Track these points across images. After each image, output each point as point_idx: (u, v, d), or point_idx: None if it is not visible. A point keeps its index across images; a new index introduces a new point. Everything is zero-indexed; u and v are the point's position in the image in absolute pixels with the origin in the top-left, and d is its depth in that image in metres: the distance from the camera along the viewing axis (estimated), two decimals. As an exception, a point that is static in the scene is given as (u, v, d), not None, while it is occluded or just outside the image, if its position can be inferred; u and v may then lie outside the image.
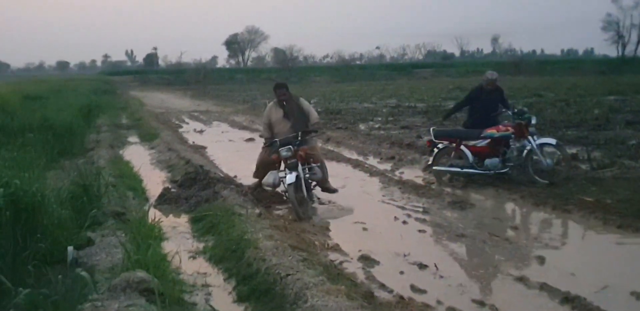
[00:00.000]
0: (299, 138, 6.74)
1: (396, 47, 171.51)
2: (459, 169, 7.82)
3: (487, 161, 7.67)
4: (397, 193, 7.62)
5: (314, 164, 6.76)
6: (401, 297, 4.13)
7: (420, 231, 5.93)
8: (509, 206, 6.93)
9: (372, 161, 10.21)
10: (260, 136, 7.63)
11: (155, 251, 4.60)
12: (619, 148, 9.32)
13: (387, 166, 9.54)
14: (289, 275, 4.09)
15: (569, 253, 5.26)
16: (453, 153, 7.90)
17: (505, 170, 7.65)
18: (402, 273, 4.73)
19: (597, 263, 4.84)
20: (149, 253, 4.29)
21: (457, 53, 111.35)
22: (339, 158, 10.38)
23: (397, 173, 9.01)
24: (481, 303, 4.09)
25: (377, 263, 4.97)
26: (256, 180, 7.58)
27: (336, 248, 5.31)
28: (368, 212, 6.67)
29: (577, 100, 20.39)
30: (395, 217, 6.43)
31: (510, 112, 7.77)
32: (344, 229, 6.07)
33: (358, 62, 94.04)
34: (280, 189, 7.08)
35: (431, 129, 8.44)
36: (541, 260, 4.93)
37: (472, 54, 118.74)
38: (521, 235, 5.79)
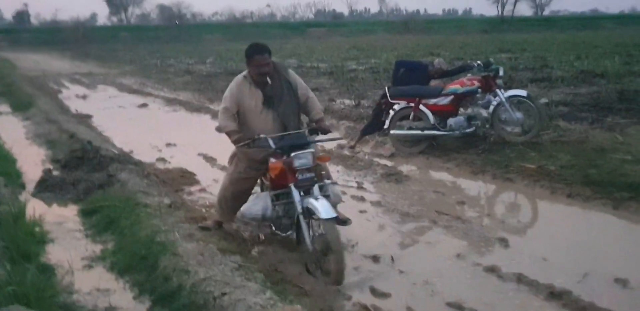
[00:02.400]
0: (308, 137, 4.02)
1: (287, 6, 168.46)
2: (419, 132, 6.94)
3: (451, 121, 6.84)
4: (324, 166, 6.80)
5: (327, 181, 4.05)
6: (365, 308, 3.34)
7: (361, 211, 5.16)
8: (447, 177, 6.35)
9: (286, 128, 9.25)
10: (219, 130, 4.22)
11: (38, 266, 3.46)
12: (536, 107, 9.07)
13: (304, 134, 8.65)
14: (225, 294, 3.13)
15: (530, 233, 4.74)
16: (412, 114, 7.03)
17: (472, 129, 6.89)
18: (356, 269, 3.93)
19: (565, 243, 4.34)
20: (28, 277, 3.13)
21: (346, 12, 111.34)
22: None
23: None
24: (459, 307, 3.40)
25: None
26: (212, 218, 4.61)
27: (270, 242, 4.41)
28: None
29: (473, 58, 20.51)
30: (328, 196, 5.61)
31: (474, 65, 6.98)
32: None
33: (249, 21, 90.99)
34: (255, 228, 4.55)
35: (386, 87, 7.36)
36: (504, 242, 4.35)
37: (360, 13, 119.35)
38: (471, 212, 5.21)
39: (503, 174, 6.01)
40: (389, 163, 6.84)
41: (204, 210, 5.08)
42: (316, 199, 3.65)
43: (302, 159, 3.77)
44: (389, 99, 7.10)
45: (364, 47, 30.41)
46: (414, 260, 4.12)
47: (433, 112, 6.92)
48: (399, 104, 7.07)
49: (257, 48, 4.06)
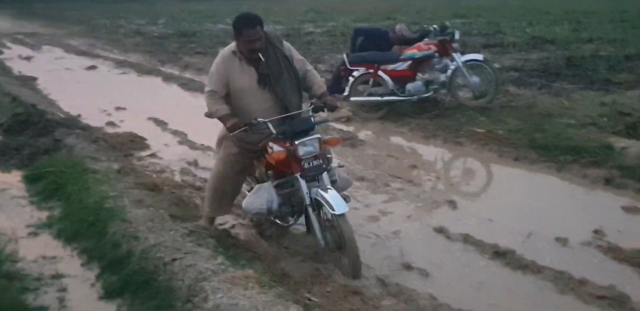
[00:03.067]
0: (313, 118, 3.53)
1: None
2: (379, 98, 6.94)
3: (409, 86, 6.84)
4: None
5: (334, 165, 3.73)
6: (318, 270, 3.39)
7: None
8: (400, 141, 6.42)
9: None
10: (210, 116, 3.58)
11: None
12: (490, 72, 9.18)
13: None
14: (175, 259, 3.12)
15: (478, 195, 4.88)
16: (371, 80, 6.98)
17: (429, 94, 6.93)
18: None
19: (510, 204, 4.48)
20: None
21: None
22: (203, 89, 9.06)
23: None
24: (408, 267, 3.50)
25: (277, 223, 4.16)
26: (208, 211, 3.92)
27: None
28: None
29: (429, 23, 20.45)
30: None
31: (431, 30, 6.94)
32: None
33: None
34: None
35: (344, 54, 7.27)
36: (453, 204, 4.47)
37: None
38: (423, 175, 5.30)
39: (454, 139, 6.11)
40: (345, 128, 6.85)
41: (154, 175, 4.99)
42: (325, 190, 3.27)
43: (307, 146, 3.32)
44: (348, 66, 7.06)
45: (321, 9, 29.89)
46: (368, 223, 4.19)
47: (392, 78, 6.91)
48: (358, 70, 7.04)
49: (246, 20, 3.40)
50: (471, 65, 6.84)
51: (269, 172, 3.64)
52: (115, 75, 11.39)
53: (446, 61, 6.86)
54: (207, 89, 3.55)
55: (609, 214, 4.18)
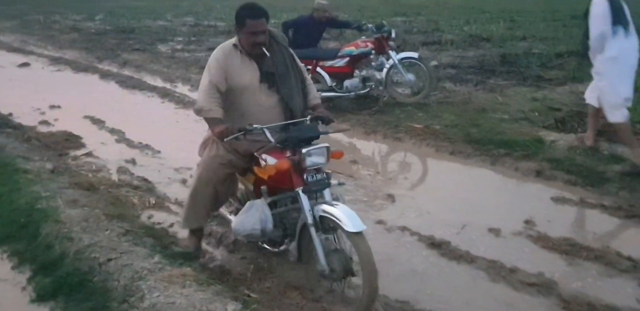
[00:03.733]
0: (318, 127, 3.10)
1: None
2: None
3: (347, 82, 6.98)
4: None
5: (334, 182, 3.08)
6: (256, 266, 3.40)
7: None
8: (341, 137, 6.47)
9: (182, 88, 8.96)
10: (198, 112, 3.12)
11: None
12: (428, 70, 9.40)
13: (200, 95, 8.41)
14: (111, 259, 3.06)
15: (415, 189, 5.00)
16: (309, 76, 7.01)
17: (367, 90, 7.07)
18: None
19: (446, 197, 4.62)
20: None
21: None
22: (142, 86, 8.93)
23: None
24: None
25: (212, 219, 4.14)
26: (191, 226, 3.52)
27: (161, 205, 4.33)
28: (192, 154, 5.63)
29: (370, 20, 20.69)
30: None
31: (368, 27, 7.02)
32: (164, 177, 5.02)
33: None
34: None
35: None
36: (392, 198, 4.57)
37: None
38: (363, 170, 5.39)
39: (393, 134, 6.24)
40: (286, 124, 6.85)
41: (90, 175, 4.86)
42: (332, 205, 2.81)
43: (315, 156, 2.86)
44: None
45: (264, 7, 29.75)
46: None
47: (330, 74, 7.01)
48: None
49: (251, 10, 3.06)
50: (407, 63, 7.00)
51: (262, 187, 3.09)
52: (49, 72, 10.96)
53: (382, 58, 7.00)
54: (205, 79, 3.08)
55: (539, 205, 4.38)
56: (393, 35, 6.99)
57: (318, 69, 7.00)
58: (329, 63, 7.04)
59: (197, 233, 3.52)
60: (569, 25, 14.55)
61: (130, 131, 6.36)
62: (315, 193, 2.91)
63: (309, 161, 2.85)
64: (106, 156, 5.57)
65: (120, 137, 6.23)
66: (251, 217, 3.01)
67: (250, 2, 3.15)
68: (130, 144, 5.97)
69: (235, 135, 2.89)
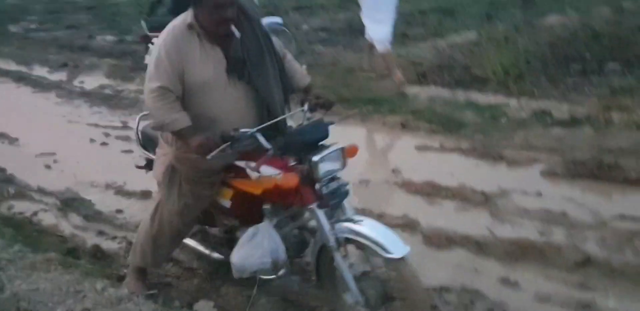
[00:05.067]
0: (326, 124, 2.44)
1: None
2: None
3: None
4: (85, 108, 6.37)
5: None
6: (129, 243, 3.34)
7: (125, 151, 5.00)
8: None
9: (39, 71, 8.35)
10: (160, 128, 2.40)
11: None
12: (299, 33, 9.44)
13: (61, 76, 7.91)
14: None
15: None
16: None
17: None
18: (119, 211, 3.87)
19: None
20: None
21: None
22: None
23: (76, 83, 7.55)
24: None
25: (84, 203, 3.99)
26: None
27: (23, 194, 4.08)
28: (54, 137, 5.35)
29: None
30: (91, 139, 5.32)
31: None
32: (24, 166, 4.72)
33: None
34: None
35: (142, 20, 6.86)
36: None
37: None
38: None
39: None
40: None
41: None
42: (357, 222, 2.25)
43: (328, 163, 2.26)
44: (147, 32, 6.75)
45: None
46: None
47: None
48: (157, 37, 6.77)
49: None
50: (272, 28, 6.98)
51: (264, 207, 2.46)
52: None
53: None
54: (152, 85, 2.28)
55: (405, 155, 4.64)
56: (256, 1, 6.90)
57: None
58: None
59: (141, 273, 2.81)
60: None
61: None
62: (332, 207, 2.31)
63: (323, 170, 2.23)
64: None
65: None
66: (257, 248, 2.32)
67: None
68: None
69: (222, 147, 2.17)
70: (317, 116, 2.54)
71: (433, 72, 6.38)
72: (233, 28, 2.34)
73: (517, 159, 4.21)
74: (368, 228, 2.21)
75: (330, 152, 2.26)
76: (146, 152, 3.05)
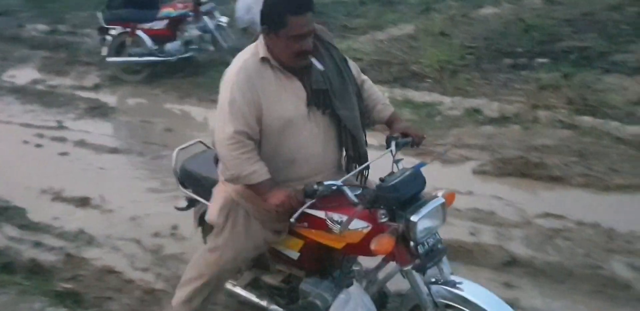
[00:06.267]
0: (422, 174, 2.03)
1: None
2: (137, 58, 6.62)
3: (168, 46, 6.64)
4: (16, 106, 6.15)
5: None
6: (67, 254, 3.31)
7: (62, 154, 4.90)
8: (155, 104, 6.30)
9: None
10: (236, 181, 2.09)
11: None
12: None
13: (-11, 70, 7.56)
14: None
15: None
16: (130, 40, 6.61)
17: (189, 54, 6.78)
18: (57, 219, 3.81)
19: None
20: None
21: None
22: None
23: (5, 77, 7.25)
24: (157, 234, 3.60)
25: (18, 212, 3.90)
26: None
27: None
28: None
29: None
30: (24, 140, 5.16)
31: None
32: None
33: None
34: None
35: (99, 12, 6.72)
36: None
37: None
38: (179, 137, 5.32)
39: (208, 96, 6.18)
40: (94, 96, 6.48)
41: None
42: (456, 286, 2.00)
43: (428, 219, 1.95)
44: (103, 25, 6.65)
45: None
46: (120, 197, 4.12)
47: (151, 37, 6.66)
48: (115, 29, 6.65)
49: (295, 1, 1.96)
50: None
51: (354, 269, 2.29)
52: None
53: (206, 20, 6.77)
54: (228, 130, 2.00)
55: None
56: None
57: (138, 31, 6.63)
58: (148, 25, 6.68)
59: None
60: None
61: None
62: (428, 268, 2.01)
63: (422, 228, 1.92)
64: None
65: None
66: None
67: None
68: None
69: (307, 205, 1.96)
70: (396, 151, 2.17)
71: (373, 69, 6.48)
72: (312, 59, 2.09)
73: (450, 157, 4.38)
74: (471, 293, 1.97)
75: (431, 210, 1.93)
76: (187, 191, 2.71)
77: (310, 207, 1.99)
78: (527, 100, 5.09)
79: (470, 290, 1.99)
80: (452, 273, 2.04)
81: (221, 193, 2.28)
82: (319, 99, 2.08)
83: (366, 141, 2.22)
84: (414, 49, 6.81)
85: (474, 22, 7.73)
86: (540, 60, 6.14)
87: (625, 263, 3.09)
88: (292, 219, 1.94)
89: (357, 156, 2.13)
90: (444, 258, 2.04)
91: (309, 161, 2.10)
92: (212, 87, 6.21)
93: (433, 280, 2.03)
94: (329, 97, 2.09)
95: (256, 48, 2.08)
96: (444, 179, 4.04)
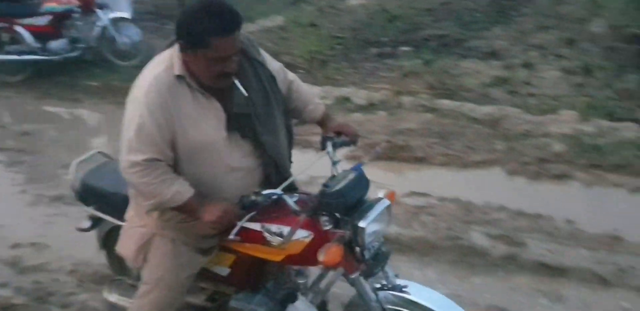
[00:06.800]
0: (366, 178, 1.96)
1: None
2: (16, 57, 6.00)
3: (52, 44, 6.06)
4: None
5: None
6: None
7: None
8: (8, 107, 5.82)
9: None
10: (160, 206, 1.87)
11: None
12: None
13: None
14: None
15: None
16: (9, 36, 6.01)
17: (77, 53, 6.21)
18: None
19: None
20: None
21: None
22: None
23: None
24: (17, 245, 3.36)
25: None
26: None
27: None
28: None
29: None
30: None
31: None
32: None
33: None
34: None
35: None
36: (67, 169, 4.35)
37: None
38: (35, 141, 4.96)
39: (70, 95, 5.87)
40: None
41: None
42: (402, 288, 1.94)
43: (375, 223, 1.83)
44: None
45: None
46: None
47: (33, 34, 6.05)
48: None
49: (219, 20, 1.69)
50: (120, 23, 6.35)
51: (299, 282, 2.10)
52: None
53: (97, 17, 6.23)
54: (133, 159, 1.78)
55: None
56: None
57: (17, 27, 6.02)
58: (28, 21, 6.07)
59: None
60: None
61: None
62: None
63: (370, 232, 1.81)
64: None
65: None
66: None
67: (210, 1, 1.75)
68: None
69: (246, 218, 1.81)
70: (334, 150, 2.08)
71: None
72: (235, 80, 1.85)
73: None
74: (419, 295, 1.94)
75: (378, 214, 1.83)
76: (89, 209, 2.41)
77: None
78: (392, 87, 5.32)
79: (417, 292, 1.95)
80: (396, 275, 1.99)
81: (137, 229, 2.05)
82: (240, 123, 1.88)
83: (290, 158, 2.11)
84: (285, 40, 6.85)
85: (342, 13, 7.92)
86: (404, 48, 6.43)
87: (482, 232, 3.35)
88: (231, 236, 1.81)
89: (280, 182, 1.91)
90: (389, 266, 1.98)
91: (232, 184, 1.90)
92: (74, 86, 5.97)
93: (379, 285, 1.96)
94: (252, 122, 1.90)
95: (170, 60, 1.81)
96: (318, 166, 4.11)
